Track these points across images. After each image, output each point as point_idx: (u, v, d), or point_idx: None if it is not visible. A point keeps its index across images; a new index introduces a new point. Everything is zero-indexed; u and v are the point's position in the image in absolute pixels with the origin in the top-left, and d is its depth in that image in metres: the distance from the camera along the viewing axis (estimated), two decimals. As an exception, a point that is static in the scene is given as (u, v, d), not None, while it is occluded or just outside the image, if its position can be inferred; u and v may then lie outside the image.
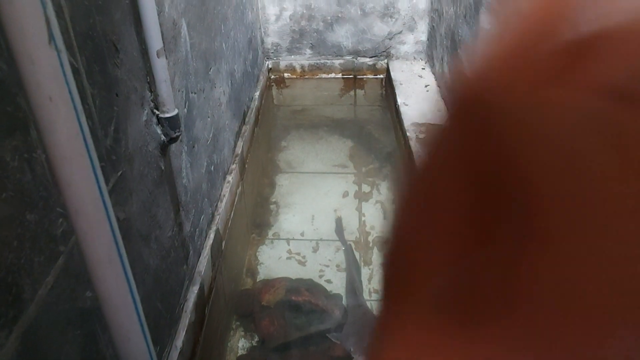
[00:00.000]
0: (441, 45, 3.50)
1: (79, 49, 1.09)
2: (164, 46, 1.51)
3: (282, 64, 4.27)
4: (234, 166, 2.81)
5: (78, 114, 0.71)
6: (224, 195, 2.56)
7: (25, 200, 0.89)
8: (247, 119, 3.31)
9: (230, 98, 2.81)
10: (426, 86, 3.71)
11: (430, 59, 3.94)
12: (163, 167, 1.65)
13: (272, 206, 2.89)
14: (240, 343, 2.12)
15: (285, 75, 4.32)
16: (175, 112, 1.59)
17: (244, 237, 2.67)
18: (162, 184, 1.65)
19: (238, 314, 2.27)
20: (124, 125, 1.33)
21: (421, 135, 3.09)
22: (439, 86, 3.62)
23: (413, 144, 3.01)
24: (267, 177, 3.17)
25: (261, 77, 3.96)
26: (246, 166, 3.13)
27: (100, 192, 0.76)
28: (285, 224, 2.73)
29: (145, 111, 1.49)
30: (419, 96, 3.58)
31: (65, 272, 1.02)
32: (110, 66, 1.26)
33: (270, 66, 4.26)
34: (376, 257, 2.48)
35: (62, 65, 0.68)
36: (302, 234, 2.66)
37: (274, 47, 4.22)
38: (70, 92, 0.69)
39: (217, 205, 2.47)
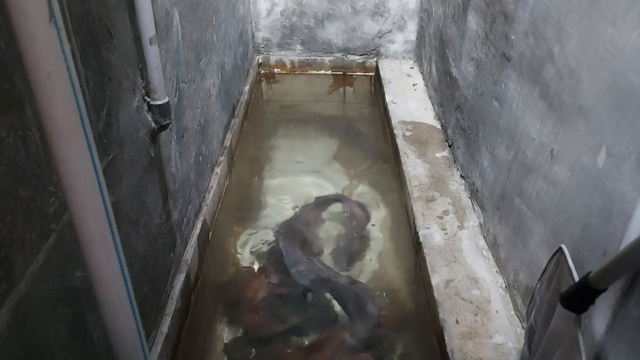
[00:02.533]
0: (430, 44, 3.55)
1: (74, 31, 1.10)
2: (156, 34, 1.53)
3: (273, 59, 4.29)
4: (222, 158, 2.83)
5: (75, 91, 0.73)
6: (212, 187, 2.58)
7: (19, 177, 0.91)
8: (236, 112, 3.33)
9: (220, 90, 2.83)
10: (414, 85, 3.75)
11: (418, 59, 3.99)
12: (153, 154, 1.67)
13: (259, 200, 2.91)
14: (225, 332, 2.14)
15: (275, 70, 4.34)
16: (166, 99, 1.61)
17: (231, 229, 2.69)
18: (151, 171, 1.66)
19: (224, 304, 2.28)
20: (115, 110, 1.35)
21: (408, 133, 3.14)
22: (426, 85, 3.67)
23: (400, 141, 3.05)
24: (255, 172, 3.19)
25: (251, 71, 3.97)
26: (234, 159, 3.15)
27: (95, 169, 0.78)
28: (272, 218, 2.74)
29: (137, 97, 1.51)
30: (406, 95, 3.63)
31: (56, 250, 1.04)
32: (104, 51, 1.27)
33: (260, 61, 4.28)
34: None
35: (61, 42, 0.70)
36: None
37: (265, 42, 4.24)
38: (68, 70, 0.71)
39: (204, 196, 2.49)
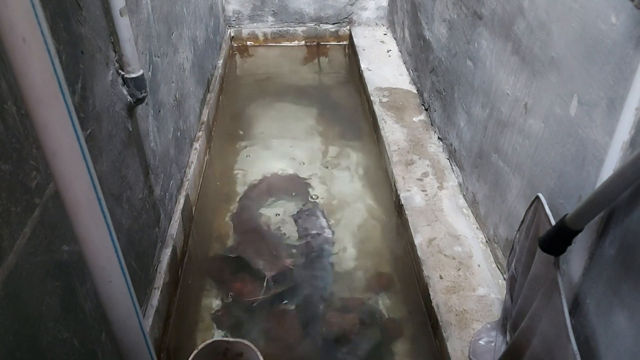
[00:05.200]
0: (402, 9, 3.54)
1: (43, 3, 1.08)
2: (126, 5, 1.50)
3: (245, 32, 4.24)
4: (200, 133, 2.82)
5: (51, 55, 0.72)
6: (192, 162, 2.57)
7: (-1, 150, 0.90)
8: (211, 87, 3.30)
9: (193, 64, 2.79)
10: (388, 51, 3.75)
11: (391, 25, 3.98)
12: (131, 129, 1.66)
13: (239, 174, 2.91)
14: (215, 303, 2.16)
15: (248, 43, 4.29)
16: (141, 72, 1.59)
17: (214, 204, 2.69)
18: (130, 145, 1.65)
19: (211, 277, 2.30)
20: (90, 84, 1.33)
21: (384, 99, 3.15)
22: (400, 51, 3.67)
23: (377, 107, 3.07)
24: (234, 146, 3.18)
25: (224, 45, 3.92)
26: (213, 134, 3.13)
27: (76, 134, 0.78)
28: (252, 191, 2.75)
29: (111, 71, 1.49)
30: (381, 61, 3.63)
31: (42, 224, 1.04)
32: (74, 23, 1.25)
33: (232, 34, 4.22)
34: (340, 217, 2.54)
35: (34, 6, 0.69)
36: (270, 200, 2.69)
37: (236, 15, 4.18)
38: (42, 33, 0.71)
39: (185, 171, 2.48)
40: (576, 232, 1.07)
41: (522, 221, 1.49)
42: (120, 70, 1.55)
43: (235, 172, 2.93)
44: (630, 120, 1.06)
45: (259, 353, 1.42)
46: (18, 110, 0.96)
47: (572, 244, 1.16)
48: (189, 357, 1.43)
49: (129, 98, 1.61)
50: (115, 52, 1.53)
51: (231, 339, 1.48)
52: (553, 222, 1.26)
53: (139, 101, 1.65)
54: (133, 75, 1.57)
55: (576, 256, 1.26)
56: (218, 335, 1.95)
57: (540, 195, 1.34)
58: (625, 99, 1.09)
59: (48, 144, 0.77)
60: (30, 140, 1.00)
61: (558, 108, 1.41)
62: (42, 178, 1.04)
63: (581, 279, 1.27)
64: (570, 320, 1.11)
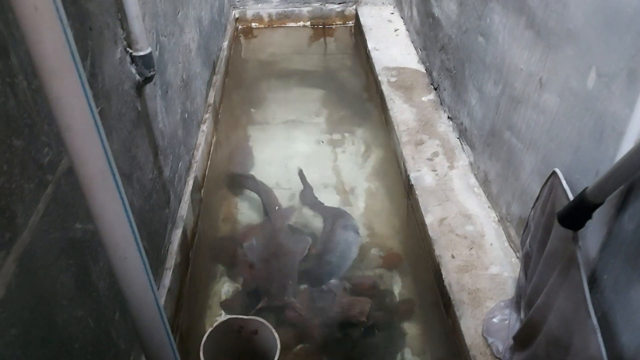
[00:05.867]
0: (409, -12, 3.48)
1: (50, -24, 1.06)
2: (133, -19, 1.47)
3: (249, 13, 4.19)
4: (207, 115, 2.80)
5: (63, 24, 0.70)
6: (200, 144, 2.56)
7: (11, 126, 0.88)
8: (217, 69, 3.27)
9: (199, 45, 2.76)
10: (396, 30, 3.70)
11: (398, 3, 3.92)
12: (140, 108, 1.64)
13: (247, 156, 2.89)
14: (225, 288, 2.15)
15: (253, 24, 4.24)
16: (149, 50, 1.57)
17: (223, 186, 2.68)
18: (139, 125, 1.64)
19: (220, 260, 2.28)
20: (99, 61, 1.31)
21: (392, 79, 3.12)
22: (408, 30, 3.62)
23: (385, 87, 3.03)
24: (240, 128, 3.16)
25: (228, 27, 3.88)
26: (219, 116, 3.11)
27: (90, 107, 0.76)
28: (261, 173, 2.73)
29: (119, 48, 1.47)
30: (389, 40, 3.58)
31: (55, 201, 1.03)
32: (82, -2, 1.23)
33: (237, 15, 4.18)
34: (350, 198, 2.53)
35: (44, -27, 0.67)
36: (277, 184, 2.67)
37: (240, -4, 4.13)
38: (54, 1, 0.69)
39: (193, 153, 2.47)
40: (597, 206, 1.06)
41: (537, 198, 1.47)
42: (128, 48, 1.53)
43: (242, 154, 2.92)
44: (653, 91, 1.04)
45: (274, 330, 1.42)
46: (29, 85, 0.94)
47: (591, 219, 1.14)
48: (204, 335, 1.43)
49: (138, 76, 1.59)
50: (123, 29, 1.50)
51: (245, 317, 1.47)
52: (571, 197, 1.24)
53: (147, 80, 1.63)
54: (141, 53, 1.55)
55: (594, 232, 1.24)
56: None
57: (557, 170, 1.32)
58: (647, 69, 1.06)
59: (62, 117, 0.75)
60: (41, 116, 0.98)
61: (575, 81, 1.38)
62: (54, 154, 1.03)
63: (598, 255, 1.25)
64: (590, 296, 1.10)
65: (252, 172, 2.73)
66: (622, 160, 0.96)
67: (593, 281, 1.26)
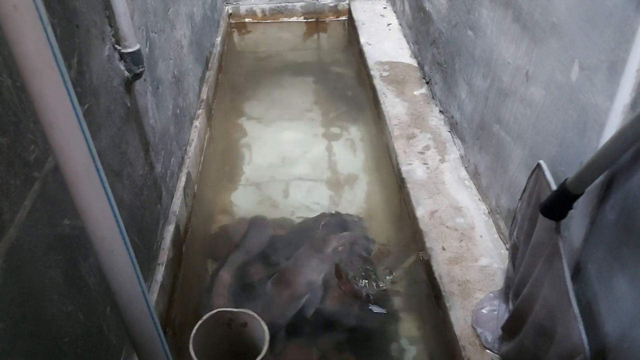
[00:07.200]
0: (401, -18, 3.49)
1: (35, -26, 1.06)
2: (120, -21, 1.48)
3: (242, 8, 4.19)
4: (200, 111, 2.80)
5: (44, 23, 0.71)
6: (193, 140, 2.57)
7: (-4, 123, 0.90)
8: (210, 65, 3.27)
9: (191, 42, 2.77)
10: (388, 25, 3.71)
11: (391, -2, 3.92)
12: (129, 105, 1.65)
13: (241, 152, 2.91)
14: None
15: (246, 20, 4.25)
16: (137, 47, 1.58)
17: (216, 182, 2.69)
18: (129, 122, 1.65)
19: (213, 256, 2.29)
20: (86, 59, 1.32)
21: (385, 74, 3.13)
22: (400, 24, 3.63)
23: (377, 82, 3.04)
24: (234, 124, 3.17)
25: (222, 22, 3.88)
26: (213, 112, 3.12)
27: (73, 104, 0.77)
28: (255, 169, 2.75)
29: (107, 46, 1.48)
30: (381, 35, 3.59)
31: (42, 198, 1.04)
32: (68, -4, 1.24)
33: (230, 11, 4.18)
34: (342, 191, 2.55)
35: (23, -28, 0.68)
36: (272, 178, 2.68)
37: (233, -9, 4.12)
38: (34, 0, 0.70)
39: (186, 149, 2.48)
40: (577, 196, 1.07)
41: (524, 190, 1.49)
42: (116, 45, 1.54)
43: (236, 149, 2.93)
44: (631, 83, 1.05)
45: (263, 323, 1.44)
46: (14, 83, 0.96)
47: (573, 210, 1.16)
48: (193, 328, 1.44)
49: (127, 73, 1.60)
50: (111, 26, 1.51)
51: (235, 310, 1.49)
52: (554, 188, 1.25)
53: (137, 76, 1.64)
54: (130, 50, 1.55)
55: (577, 222, 1.26)
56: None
57: (541, 162, 1.34)
58: (626, 61, 1.08)
59: (44, 115, 0.77)
60: (27, 114, 0.99)
61: (559, 74, 1.40)
62: (40, 152, 1.04)
63: (582, 245, 1.27)
64: (572, 285, 1.12)
65: (247, 167, 2.75)
66: (599, 151, 0.98)
67: (578, 271, 1.28)
